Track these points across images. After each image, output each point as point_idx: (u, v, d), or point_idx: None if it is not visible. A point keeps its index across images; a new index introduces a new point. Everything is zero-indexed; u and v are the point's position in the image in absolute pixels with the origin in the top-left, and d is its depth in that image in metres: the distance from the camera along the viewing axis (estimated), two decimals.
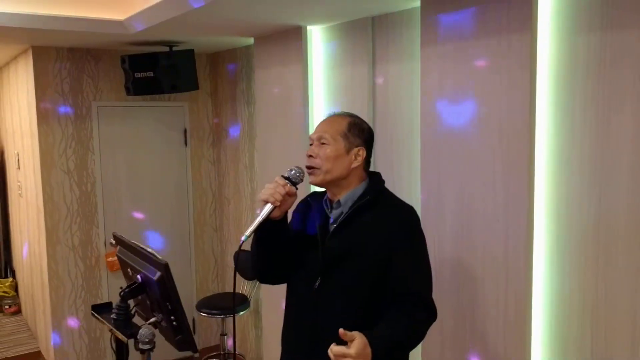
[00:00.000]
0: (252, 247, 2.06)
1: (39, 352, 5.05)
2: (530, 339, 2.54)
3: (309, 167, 1.98)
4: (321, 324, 1.94)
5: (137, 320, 2.36)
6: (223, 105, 4.88)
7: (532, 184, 2.47)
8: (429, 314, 1.91)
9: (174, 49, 4.27)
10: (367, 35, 3.25)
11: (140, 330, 2.12)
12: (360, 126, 2.01)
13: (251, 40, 4.21)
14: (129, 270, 2.37)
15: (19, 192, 5.40)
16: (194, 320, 5.01)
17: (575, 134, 2.35)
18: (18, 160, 5.32)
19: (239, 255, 1.93)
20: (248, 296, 4.56)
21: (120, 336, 2.22)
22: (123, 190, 4.70)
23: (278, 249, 2.00)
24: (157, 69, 4.06)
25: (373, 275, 1.88)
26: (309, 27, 3.58)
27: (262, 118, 4.08)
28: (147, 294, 2.27)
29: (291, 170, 1.94)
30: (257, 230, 1.90)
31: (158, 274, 2.12)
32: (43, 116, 4.34)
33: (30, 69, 4.37)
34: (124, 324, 2.28)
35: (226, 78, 4.78)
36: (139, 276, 2.26)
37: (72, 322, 4.55)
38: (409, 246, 1.91)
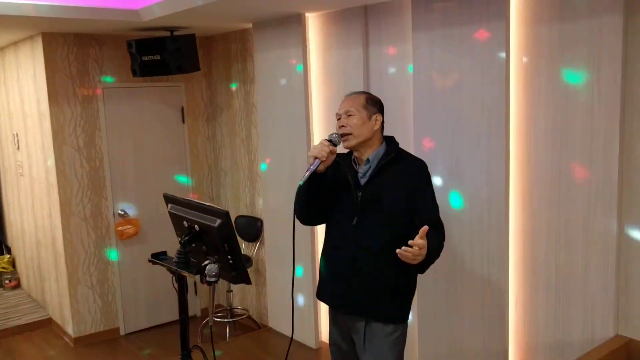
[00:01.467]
0: (298, 197, 2.58)
1: (50, 318, 5.43)
2: (508, 257, 3.16)
3: (342, 135, 2.51)
4: (359, 255, 2.50)
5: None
6: (218, 85, 5.32)
7: (508, 141, 3.07)
8: (443, 229, 2.53)
9: (175, 33, 4.68)
10: (360, 22, 3.77)
11: (208, 267, 2.60)
12: (374, 99, 2.58)
13: (246, 25, 4.66)
14: (184, 222, 2.83)
15: (19, 171, 5.70)
16: (195, 282, 5.46)
17: (540, 102, 2.95)
18: (17, 141, 5.61)
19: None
20: (250, 256, 5.07)
21: (187, 274, 2.69)
22: (128, 165, 5.09)
23: (320, 196, 2.56)
24: (164, 52, 4.47)
25: (398, 211, 2.46)
26: (307, 14, 4.07)
27: (262, 96, 4.56)
28: (203, 240, 2.75)
29: (333, 134, 2.52)
30: (308, 180, 2.44)
31: (219, 221, 2.60)
32: (53, 97, 4.69)
33: (38, 54, 4.69)
34: (185, 265, 2.75)
35: (221, 59, 5.21)
36: (196, 226, 2.74)
37: (86, 288, 4.96)
38: (425, 187, 2.52)
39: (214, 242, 2.70)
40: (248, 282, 2.73)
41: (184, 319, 2.90)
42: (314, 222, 2.76)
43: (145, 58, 4.54)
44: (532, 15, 2.95)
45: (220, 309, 5.27)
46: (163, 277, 5.17)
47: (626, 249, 2.77)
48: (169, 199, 3.00)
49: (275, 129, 4.48)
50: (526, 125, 3.04)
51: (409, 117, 3.53)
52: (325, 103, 4.17)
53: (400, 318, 2.58)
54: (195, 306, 5.51)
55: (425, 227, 2.24)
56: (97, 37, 4.84)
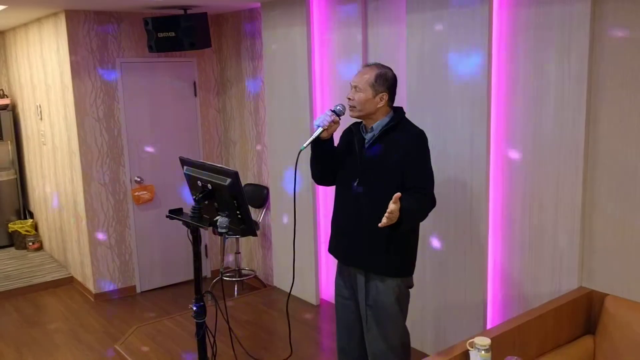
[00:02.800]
0: (311, 161, 2.93)
1: (72, 277, 5.87)
2: (488, 219, 3.53)
3: (350, 106, 2.82)
4: (359, 212, 2.81)
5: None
6: (227, 61, 5.66)
7: (489, 118, 3.41)
8: (432, 201, 2.78)
9: (188, 12, 5.01)
10: (360, 4, 4.09)
11: (219, 219, 2.98)
12: (384, 76, 2.80)
13: (254, 3, 4.98)
14: (198, 182, 3.20)
15: (42, 140, 6.09)
16: (206, 246, 5.86)
17: (520, 79, 3.28)
18: (41, 112, 5.99)
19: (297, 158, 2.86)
20: (258, 221, 5.45)
21: (202, 226, 3.07)
22: (145, 135, 5.47)
23: (328, 160, 2.90)
24: (178, 30, 4.81)
25: (394, 175, 2.73)
26: None
27: (270, 71, 4.90)
28: (215, 198, 3.12)
29: (337, 105, 2.84)
30: (312, 146, 2.81)
31: (229, 180, 2.96)
32: (76, 71, 5.05)
33: (62, 30, 5.04)
34: (199, 219, 3.13)
35: (231, 37, 5.55)
36: (209, 185, 3.11)
37: (106, 248, 5.37)
38: (420, 156, 2.78)
39: (224, 199, 3.06)
40: (254, 234, 3.10)
41: (198, 267, 3.27)
42: (326, 183, 3.04)
43: (160, 35, 4.88)
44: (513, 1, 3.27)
45: (229, 269, 5.68)
46: (176, 240, 5.64)
47: (589, 210, 3.12)
48: (184, 161, 3.36)
49: (281, 103, 4.83)
50: (506, 99, 3.37)
51: (403, 95, 3.87)
52: (327, 79, 4.51)
53: (397, 272, 2.82)
54: (206, 268, 5.92)
55: (399, 194, 2.49)
56: (115, 14, 5.18)
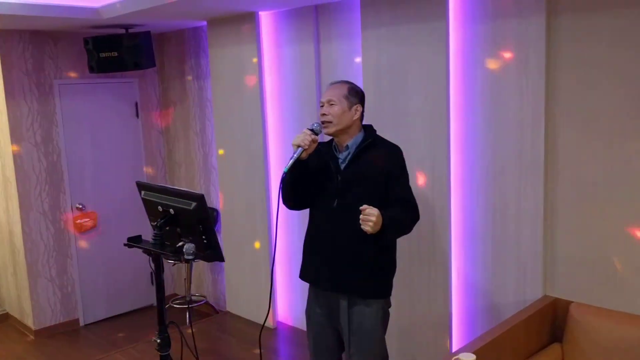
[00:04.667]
0: (285, 186, 2.79)
1: (7, 313, 5.48)
2: (450, 232, 3.55)
3: (324, 122, 2.75)
4: (339, 234, 2.74)
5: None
6: (171, 80, 5.50)
7: (449, 131, 3.45)
8: (416, 213, 2.76)
9: (130, 30, 4.85)
10: (311, 20, 4.07)
11: (185, 245, 2.84)
12: (355, 90, 2.80)
13: (199, 22, 4.88)
14: (158, 207, 3.05)
15: None
16: (151, 273, 5.62)
17: (478, 91, 3.34)
18: None
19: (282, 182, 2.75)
20: None
21: (166, 254, 2.93)
22: (86, 159, 5.22)
23: (305, 182, 2.79)
24: (121, 49, 4.63)
25: (375, 194, 2.68)
26: (260, 12, 4.34)
27: (217, 91, 4.80)
28: (178, 223, 2.98)
29: (314, 124, 2.75)
30: (290, 169, 2.69)
31: (194, 204, 2.84)
32: (10, 94, 4.77)
33: None
34: (161, 246, 2.98)
35: (174, 56, 5.40)
36: (171, 210, 2.98)
37: (46, 280, 5.06)
38: (400, 172, 2.77)
39: (189, 224, 2.94)
40: (222, 258, 2.98)
41: (161, 298, 3.13)
42: (300, 207, 2.93)
43: (102, 55, 4.69)
44: (467, 16, 3.34)
45: (178, 296, 5.48)
46: (121, 269, 5.37)
47: (551, 219, 3.19)
48: (142, 186, 3.21)
49: (231, 122, 4.73)
50: (465, 111, 3.42)
51: None
52: (279, 97, 4.46)
53: (381, 294, 2.79)
54: (151, 296, 5.68)
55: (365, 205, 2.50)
56: (52, 34, 4.94)
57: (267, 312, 3.14)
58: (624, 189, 2.92)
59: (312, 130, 2.73)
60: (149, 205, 3.17)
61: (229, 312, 5.15)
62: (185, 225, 2.97)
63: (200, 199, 2.85)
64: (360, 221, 2.51)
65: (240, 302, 5.01)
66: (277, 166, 4.53)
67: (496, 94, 3.27)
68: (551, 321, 3.21)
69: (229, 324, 4.93)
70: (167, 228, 3.06)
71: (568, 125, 3.07)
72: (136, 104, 5.51)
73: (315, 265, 2.88)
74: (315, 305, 2.93)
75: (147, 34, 4.79)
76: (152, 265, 3.07)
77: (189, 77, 5.29)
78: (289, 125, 4.42)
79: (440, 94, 3.42)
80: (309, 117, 4.19)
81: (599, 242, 3.04)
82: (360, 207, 2.51)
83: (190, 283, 2.98)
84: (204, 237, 2.93)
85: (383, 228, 2.54)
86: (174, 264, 5.40)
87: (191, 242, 2.96)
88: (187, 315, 5.17)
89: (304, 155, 2.71)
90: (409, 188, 2.80)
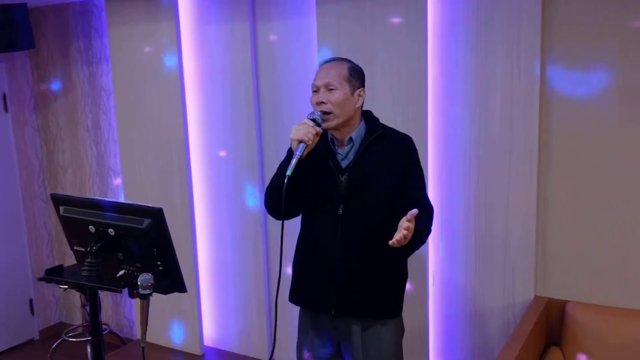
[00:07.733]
0: (275, 191, 2.19)
1: None
2: None
3: (324, 113, 2.16)
4: (346, 246, 2.20)
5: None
6: (49, 67, 4.52)
7: (426, 116, 3.04)
8: (432, 211, 2.27)
9: (1, 2, 3.86)
10: None
11: (140, 277, 2.14)
12: (356, 69, 2.25)
13: None
14: (89, 227, 2.30)
15: None
16: (31, 300, 4.63)
17: (459, 80, 2.96)
18: None
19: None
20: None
21: (107, 289, 2.20)
22: None
23: (301, 185, 2.20)
24: None
25: (389, 194, 2.20)
26: None
27: (121, 76, 3.97)
28: (120, 247, 2.26)
29: (314, 112, 2.16)
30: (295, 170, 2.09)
31: (148, 221, 2.16)
32: None
33: None
34: (98, 279, 2.24)
35: (53, 37, 4.44)
36: (110, 230, 2.25)
37: None
38: (418, 167, 2.29)
39: (137, 248, 2.24)
40: (184, 289, 2.31)
41: (99, 342, 2.38)
42: (292, 216, 2.33)
43: None
44: None
45: (72, 327, 4.55)
46: None
47: (544, 214, 2.91)
48: (60, 200, 2.42)
49: (140, 114, 3.94)
50: (445, 100, 3.03)
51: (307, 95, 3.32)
52: (204, 85, 3.75)
53: (397, 310, 2.37)
54: (32, 328, 4.68)
55: (415, 210, 1.98)
56: None
57: (272, 347, 2.53)
58: (619, 183, 2.74)
59: (313, 120, 2.14)
60: (73, 225, 2.39)
61: (139, 339, 4.35)
62: (131, 249, 2.26)
63: (157, 214, 2.17)
64: (399, 237, 1.98)
65: (151, 328, 4.23)
66: (201, 166, 3.84)
67: (485, 80, 2.91)
68: (545, 323, 2.95)
69: (148, 356, 4.15)
70: (103, 254, 2.33)
71: (564, 117, 2.81)
72: (4, 96, 4.46)
73: (316, 288, 2.31)
74: (313, 335, 2.39)
75: (24, 6, 3.83)
76: (84, 301, 2.31)
77: (77, 62, 4.37)
78: (218, 118, 3.74)
79: (417, 78, 2.99)
80: (245, 110, 3.57)
81: (595, 237, 2.82)
82: (406, 219, 1.97)
83: (146, 325, 2.27)
84: (159, 262, 2.24)
85: (412, 240, 2.05)
86: (65, 290, 4.45)
87: (141, 269, 2.27)
88: (88, 350, 4.28)
89: (305, 152, 2.12)
90: (425, 186, 2.35)
